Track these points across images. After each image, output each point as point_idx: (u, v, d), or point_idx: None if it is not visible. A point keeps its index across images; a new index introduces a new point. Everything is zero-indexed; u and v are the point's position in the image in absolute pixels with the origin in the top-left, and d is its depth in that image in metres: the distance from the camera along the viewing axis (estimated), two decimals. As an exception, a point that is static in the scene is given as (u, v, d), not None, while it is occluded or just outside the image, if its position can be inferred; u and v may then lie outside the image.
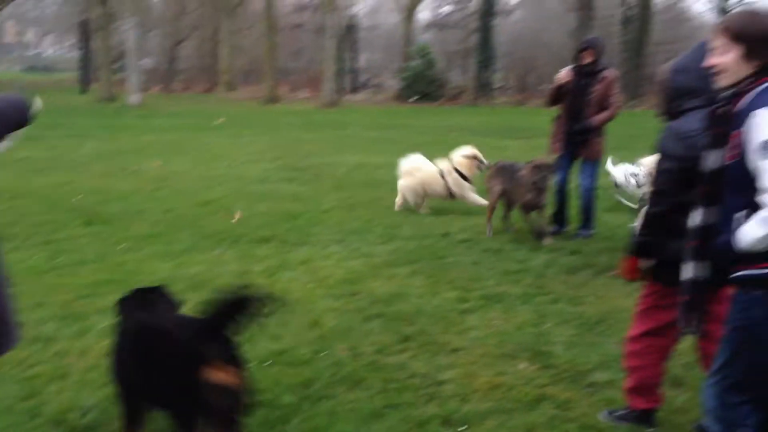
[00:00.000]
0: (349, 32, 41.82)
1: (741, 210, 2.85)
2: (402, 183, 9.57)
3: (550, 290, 6.28)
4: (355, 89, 43.74)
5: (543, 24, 41.17)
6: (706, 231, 3.09)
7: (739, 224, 2.84)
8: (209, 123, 22.20)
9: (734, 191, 2.92)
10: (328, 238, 8.03)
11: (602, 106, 7.74)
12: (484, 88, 38.81)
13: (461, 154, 9.33)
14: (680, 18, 37.91)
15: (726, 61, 2.94)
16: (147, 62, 39.11)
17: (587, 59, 7.79)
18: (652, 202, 3.74)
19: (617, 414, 4.01)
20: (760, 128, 2.76)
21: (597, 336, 5.17)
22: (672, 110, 3.73)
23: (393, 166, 10.04)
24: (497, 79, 41.03)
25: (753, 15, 2.98)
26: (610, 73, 7.79)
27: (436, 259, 7.23)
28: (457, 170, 9.26)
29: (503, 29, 41.06)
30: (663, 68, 3.91)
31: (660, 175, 3.66)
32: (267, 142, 17.54)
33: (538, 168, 7.75)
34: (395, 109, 32.26)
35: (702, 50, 3.66)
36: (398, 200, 9.61)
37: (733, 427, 3.03)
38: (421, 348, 4.99)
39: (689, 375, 4.38)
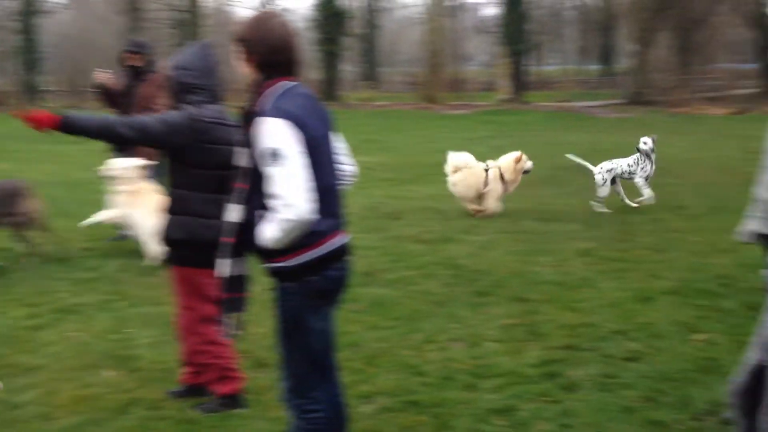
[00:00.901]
0: None
1: (260, 208, 2.95)
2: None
3: (128, 295, 6.17)
4: None
5: (92, 25, 39.75)
6: (241, 227, 3.05)
7: (260, 221, 2.95)
8: None
9: (254, 189, 2.99)
10: None
11: (149, 107, 7.68)
12: (30, 92, 36.30)
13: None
14: (229, 21, 39.55)
15: (239, 64, 3.09)
16: None
17: (134, 61, 7.77)
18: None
19: (207, 406, 4.10)
20: (266, 136, 2.88)
21: (180, 333, 5.23)
22: (180, 103, 3.96)
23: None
24: (45, 81, 38.65)
25: (253, 20, 3.14)
26: (156, 75, 7.79)
27: (-3, 277, 6.62)
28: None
29: (49, 30, 38.77)
30: (164, 65, 4.07)
31: (166, 125, 3.82)
32: None
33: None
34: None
35: (204, 49, 3.98)
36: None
37: (304, 414, 3.14)
38: (-8, 373, 4.56)
39: (270, 356, 4.66)
